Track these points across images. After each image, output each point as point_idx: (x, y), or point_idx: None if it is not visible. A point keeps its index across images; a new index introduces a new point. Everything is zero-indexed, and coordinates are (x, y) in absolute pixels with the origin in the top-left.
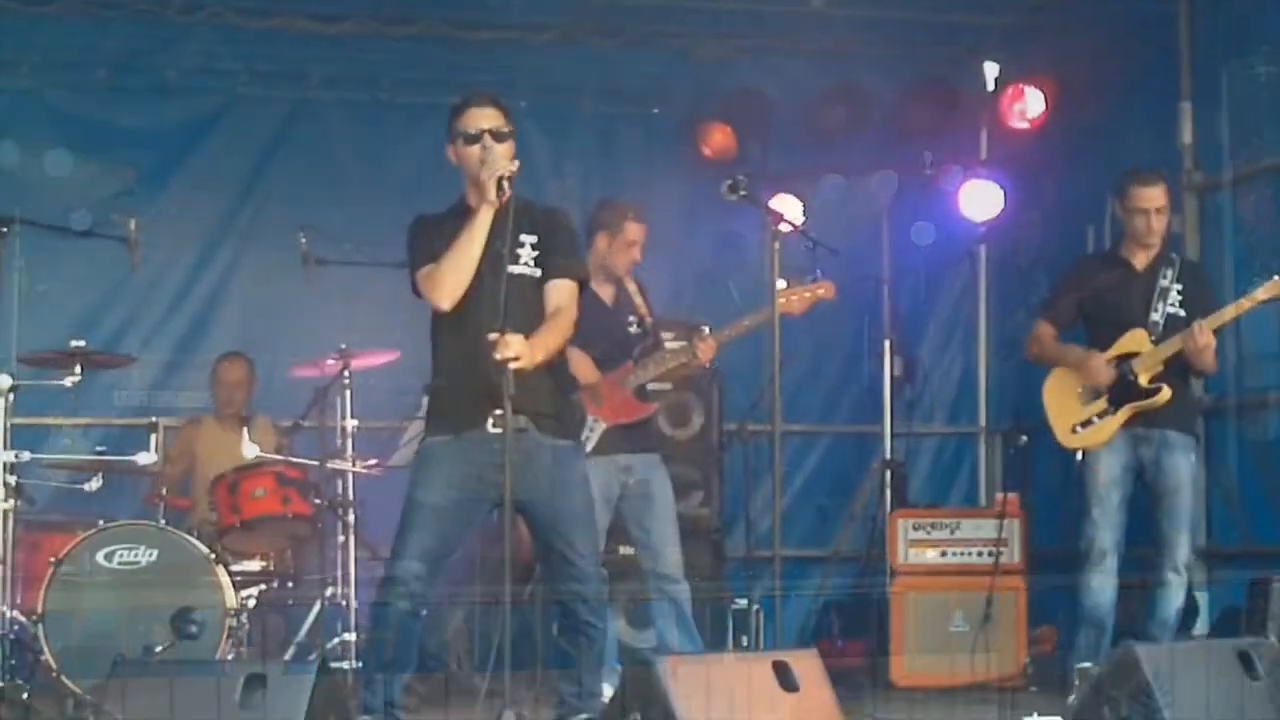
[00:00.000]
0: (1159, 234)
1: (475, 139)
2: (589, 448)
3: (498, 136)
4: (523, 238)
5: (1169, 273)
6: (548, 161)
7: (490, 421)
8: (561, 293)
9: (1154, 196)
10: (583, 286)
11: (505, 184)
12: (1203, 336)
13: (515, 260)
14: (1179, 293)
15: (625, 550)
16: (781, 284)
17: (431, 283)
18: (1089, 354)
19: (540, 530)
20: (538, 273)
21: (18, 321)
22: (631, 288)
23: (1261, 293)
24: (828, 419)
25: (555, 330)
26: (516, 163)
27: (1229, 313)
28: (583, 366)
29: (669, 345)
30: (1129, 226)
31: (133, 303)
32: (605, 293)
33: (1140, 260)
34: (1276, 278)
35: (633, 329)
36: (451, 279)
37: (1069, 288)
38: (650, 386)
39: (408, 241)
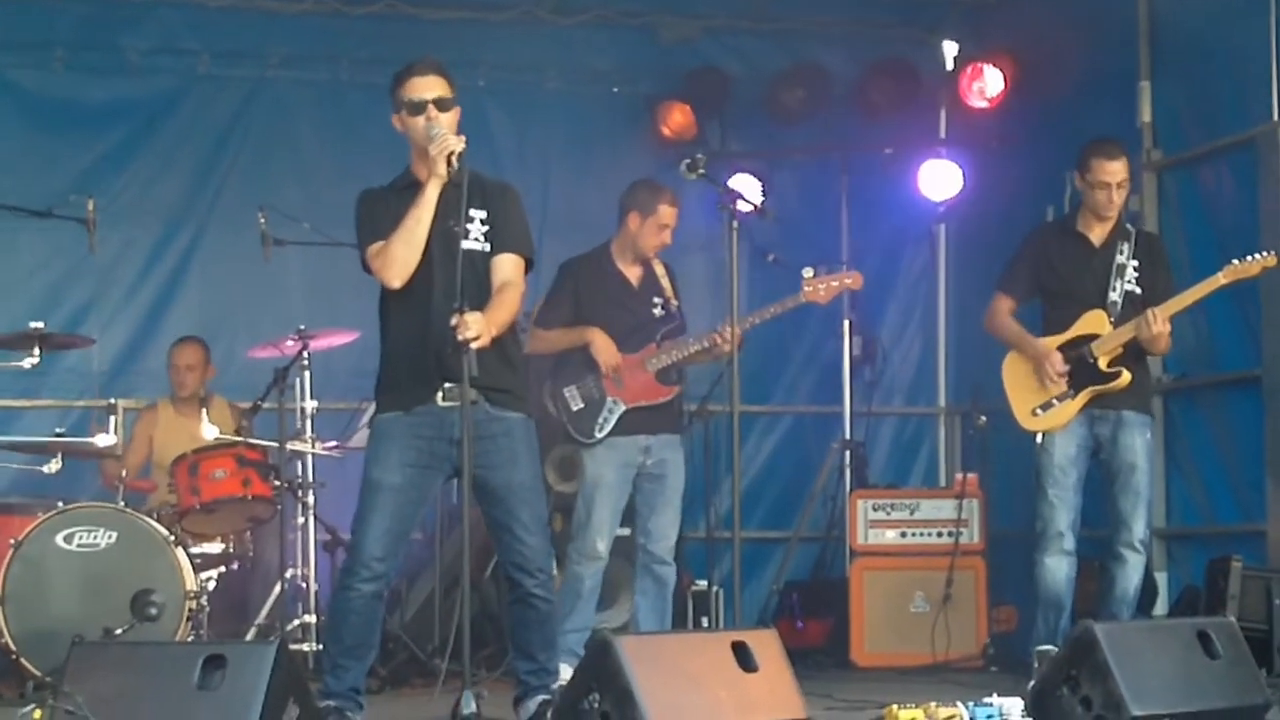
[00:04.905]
0: (1118, 208)
1: (420, 108)
2: (607, 429)
3: (441, 105)
4: (472, 213)
5: (1125, 247)
6: (508, 141)
7: (441, 395)
8: (508, 267)
9: (1116, 170)
10: (529, 266)
11: (455, 160)
12: (1156, 325)
13: (465, 235)
14: (1135, 269)
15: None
16: (809, 272)
17: (382, 261)
18: (1046, 352)
19: (489, 502)
20: (487, 247)
21: None
22: (659, 270)
23: (1223, 276)
24: (788, 400)
25: (503, 305)
26: (464, 139)
27: (1186, 299)
28: (604, 347)
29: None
30: (1089, 199)
31: (92, 284)
32: (632, 274)
33: (1097, 235)
34: (1235, 262)
35: (657, 311)
36: (401, 256)
37: (1026, 260)
38: None
39: (355, 217)
